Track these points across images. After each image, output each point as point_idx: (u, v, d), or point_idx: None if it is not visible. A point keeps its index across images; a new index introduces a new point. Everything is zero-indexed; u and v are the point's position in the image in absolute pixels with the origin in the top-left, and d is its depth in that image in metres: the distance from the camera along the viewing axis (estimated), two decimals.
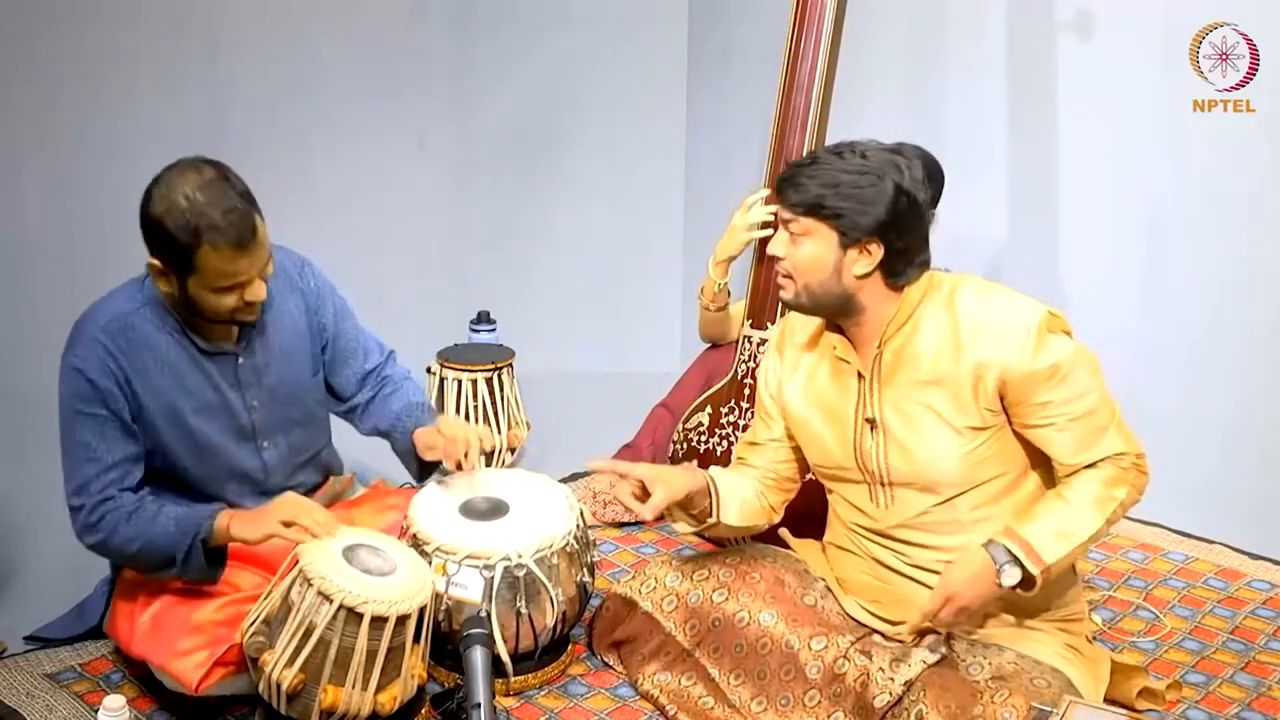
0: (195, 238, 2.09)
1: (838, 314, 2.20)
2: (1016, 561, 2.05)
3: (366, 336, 2.59)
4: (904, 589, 2.24)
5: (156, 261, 2.17)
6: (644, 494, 2.28)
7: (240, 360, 2.34)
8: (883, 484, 2.22)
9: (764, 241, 2.93)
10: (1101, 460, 2.09)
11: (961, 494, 2.16)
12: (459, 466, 2.44)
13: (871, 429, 2.20)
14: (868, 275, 2.14)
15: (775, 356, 2.39)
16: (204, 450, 2.33)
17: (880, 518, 2.25)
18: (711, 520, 2.34)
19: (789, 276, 2.18)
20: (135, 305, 2.27)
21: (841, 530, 2.35)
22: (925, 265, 2.17)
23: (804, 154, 2.87)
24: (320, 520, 2.17)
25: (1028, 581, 2.07)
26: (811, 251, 2.13)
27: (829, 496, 2.39)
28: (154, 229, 2.13)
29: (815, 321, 2.30)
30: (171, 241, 2.11)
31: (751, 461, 2.43)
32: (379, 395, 2.58)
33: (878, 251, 2.11)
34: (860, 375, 2.21)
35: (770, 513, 2.43)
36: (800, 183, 2.12)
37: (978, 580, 2.07)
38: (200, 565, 2.20)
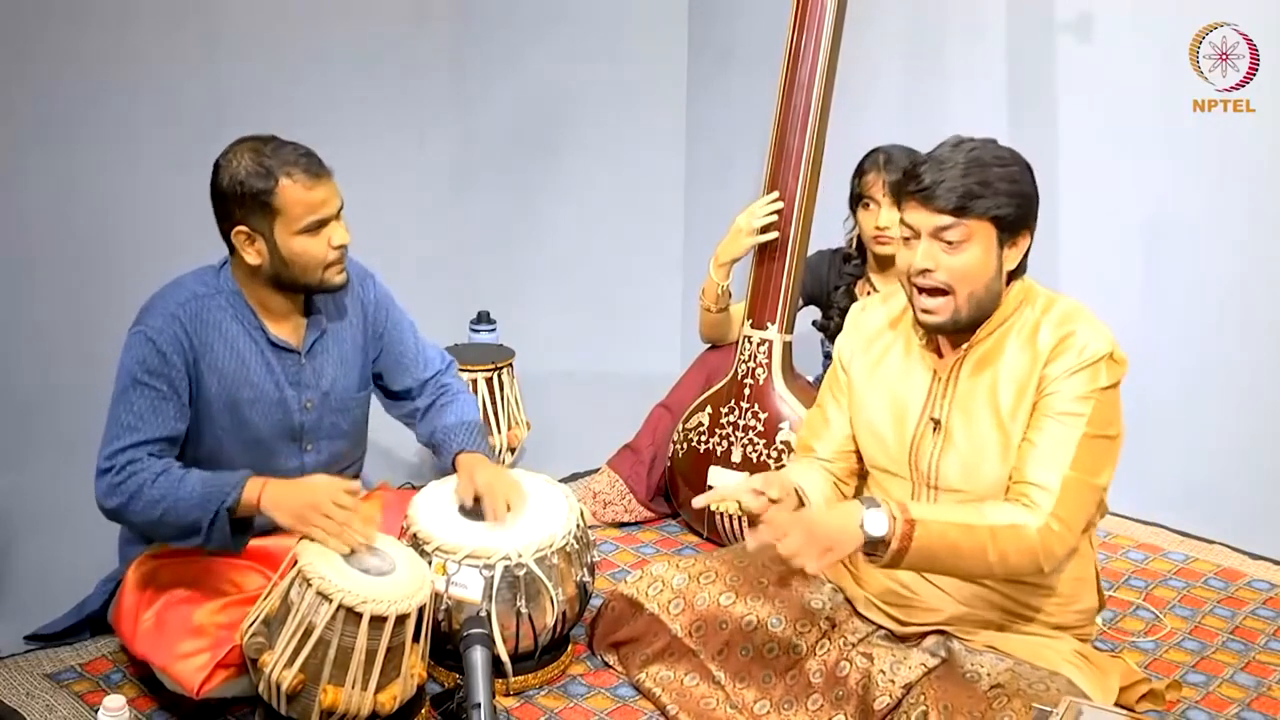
0: (271, 177, 2.20)
1: (983, 320, 2.05)
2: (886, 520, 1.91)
3: (426, 345, 2.64)
4: (924, 592, 2.19)
5: (243, 228, 2.23)
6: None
7: (303, 360, 2.38)
8: (928, 486, 2.15)
9: (765, 243, 2.93)
10: (1023, 494, 1.97)
11: None
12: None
13: (934, 430, 2.12)
14: (1015, 271, 2.01)
15: (855, 334, 2.27)
16: (251, 443, 2.36)
17: None
18: None
19: (945, 292, 2.00)
20: (210, 291, 2.32)
21: None
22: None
23: (809, 154, 2.86)
24: (344, 518, 2.16)
25: (886, 545, 1.90)
26: (974, 255, 1.97)
27: (869, 488, 2.29)
28: (231, 191, 2.21)
29: (899, 303, 2.18)
30: (250, 193, 2.20)
31: (820, 451, 2.30)
32: (436, 403, 2.61)
33: (1024, 241, 2.00)
34: (936, 374, 2.13)
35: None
36: (951, 183, 1.94)
37: (840, 533, 1.91)
38: (225, 535, 2.19)
